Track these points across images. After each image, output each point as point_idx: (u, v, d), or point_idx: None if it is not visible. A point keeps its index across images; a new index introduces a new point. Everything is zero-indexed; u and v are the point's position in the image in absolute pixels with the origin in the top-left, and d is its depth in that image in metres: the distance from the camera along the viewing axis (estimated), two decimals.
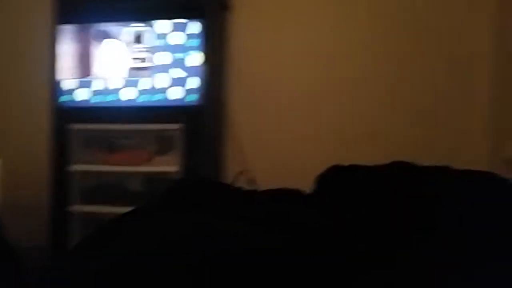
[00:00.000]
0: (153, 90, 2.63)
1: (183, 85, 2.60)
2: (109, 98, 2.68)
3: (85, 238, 1.23)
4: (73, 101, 2.73)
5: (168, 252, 0.94)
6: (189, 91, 2.59)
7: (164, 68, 2.62)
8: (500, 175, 1.41)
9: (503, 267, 0.96)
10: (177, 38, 2.62)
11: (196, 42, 2.59)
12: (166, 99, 2.61)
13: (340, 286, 0.96)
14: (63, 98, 2.74)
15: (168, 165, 2.65)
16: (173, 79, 2.61)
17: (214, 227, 1.09)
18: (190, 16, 2.60)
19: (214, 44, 2.71)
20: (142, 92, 2.64)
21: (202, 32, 2.59)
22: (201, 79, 2.58)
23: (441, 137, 2.73)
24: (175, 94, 2.60)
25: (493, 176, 1.38)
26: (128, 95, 2.66)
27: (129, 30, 2.68)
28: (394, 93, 2.78)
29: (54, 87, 2.75)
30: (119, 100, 2.67)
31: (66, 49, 2.74)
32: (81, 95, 2.72)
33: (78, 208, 2.70)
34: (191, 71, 2.59)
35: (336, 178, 1.63)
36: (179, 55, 2.60)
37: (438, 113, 2.74)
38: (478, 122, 2.69)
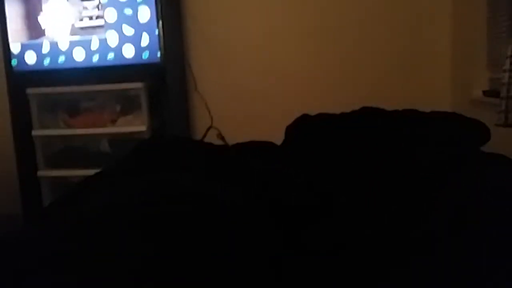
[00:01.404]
0: (106, 49, 2.53)
1: (137, 42, 2.50)
2: (62, 59, 2.57)
3: (51, 204, 1.21)
4: (26, 64, 2.60)
5: (122, 210, 0.93)
6: (144, 48, 2.50)
7: (115, 25, 2.51)
8: (464, 115, 1.44)
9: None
10: None
11: None
12: (121, 58, 2.52)
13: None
14: (14, 62, 2.61)
15: (135, 125, 2.60)
16: (126, 36, 2.50)
17: (173, 184, 1.08)
18: None
19: None
20: (96, 51, 2.54)
21: None
22: (159, 34, 2.49)
23: (407, 80, 2.75)
24: (130, 52, 2.50)
25: (459, 117, 1.40)
26: (81, 55, 2.55)
27: None
28: (360, 41, 2.77)
29: (6, 51, 2.61)
30: (72, 60, 2.56)
31: (14, 9, 2.59)
32: (33, 57, 2.59)
33: (46, 173, 2.64)
34: (144, 27, 2.49)
35: (306, 128, 1.63)
36: (130, 11, 2.49)
37: (403, 59, 2.76)
38: (443, 64, 2.72)
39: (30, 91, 2.60)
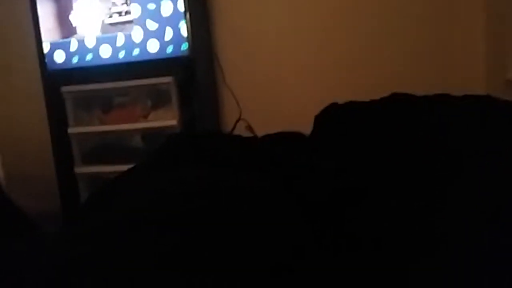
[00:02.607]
0: (132, 45, 2.55)
1: (161, 37, 2.51)
2: (89, 57, 2.61)
3: (86, 201, 1.24)
4: (55, 63, 2.66)
5: (162, 209, 0.94)
6: (168, 42, 2.51)
7: (140, 21, 2.52)
8: (499, 98, 1.39)
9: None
10: None
11: None
12: (146, 53, 2.54)
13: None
14: (47, 61, 2.67)
15: (166, 119, 2.63)
16: (150, 31, 2.52)
17: (211, 179, 1.08)
18: None
19: None
20: (121, 47, 2.57)
21: None
22: (187, 27, 2.49)
23: (438, 62, 2.68)
24: (154, 46, 2.52)
25: (493, 100, 1.36)
26: (107, 52, 2.58)
27: None
28: (387, 22, 2.71)
29: (39, 51, 2.68)
30: (99, 58, 2.60)
31: (45, 9, 2.64)
32: (62, 56, 2.64)
33: (81, 169, 2.70)
34: (167, 21, 2.50)
35: (335, 116, 1.62)
36: (154, 5, 2.49)
37: (433, 38, 2.68)
38: (476, 44, 2.63)
39: (64, 89, 2.66)
